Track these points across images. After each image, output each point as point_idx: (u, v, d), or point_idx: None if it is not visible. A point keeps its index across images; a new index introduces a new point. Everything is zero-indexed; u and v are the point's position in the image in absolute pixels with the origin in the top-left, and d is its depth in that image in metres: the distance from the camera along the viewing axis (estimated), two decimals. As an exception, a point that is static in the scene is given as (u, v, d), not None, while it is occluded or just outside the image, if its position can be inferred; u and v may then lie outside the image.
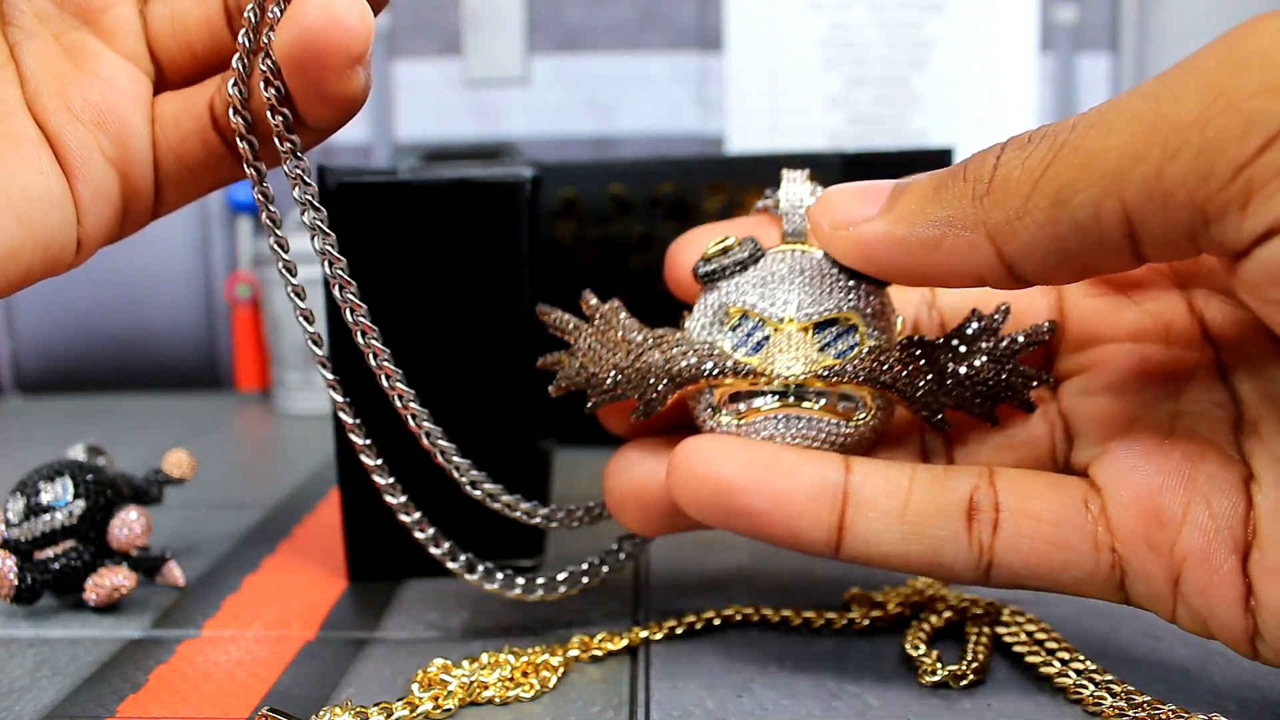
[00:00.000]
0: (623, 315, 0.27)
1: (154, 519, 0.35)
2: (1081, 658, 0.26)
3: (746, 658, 0.28)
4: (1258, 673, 0.26)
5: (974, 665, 0.26)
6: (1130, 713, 0.24)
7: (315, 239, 0.26)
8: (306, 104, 0.25)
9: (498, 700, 0.26)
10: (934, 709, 0.25)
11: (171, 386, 0.70)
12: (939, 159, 0.43)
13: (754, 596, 0.32)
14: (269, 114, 0.25)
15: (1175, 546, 0.23)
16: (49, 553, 0.32)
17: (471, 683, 0.26)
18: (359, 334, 0.27)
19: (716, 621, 0.30)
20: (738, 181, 0.47)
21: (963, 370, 0.25)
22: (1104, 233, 0.20)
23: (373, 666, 0.28)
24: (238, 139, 0.26)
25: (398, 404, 0.27)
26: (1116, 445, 0.25)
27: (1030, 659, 0.27)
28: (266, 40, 0.25)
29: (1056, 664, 0.26)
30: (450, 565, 0.29)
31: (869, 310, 0.25)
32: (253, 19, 0.25)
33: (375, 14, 0.25)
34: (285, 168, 0.26)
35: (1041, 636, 0.28)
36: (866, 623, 0.30)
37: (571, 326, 0.27)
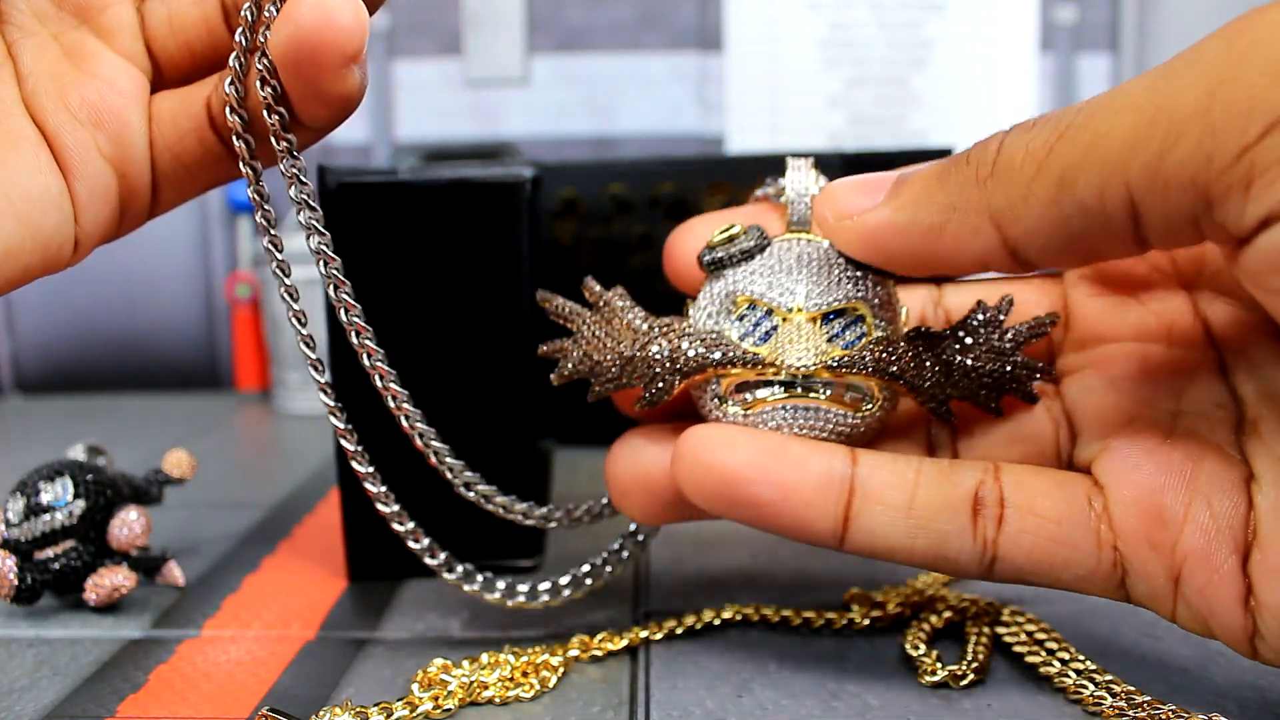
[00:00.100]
0: (627, 303, 0.26)
1: (154, 519, 0.35)
2: (1081, 658, 0.26)
3: (746, 658, 0.28)
4: (1258, 673, 0.26)
5: (974, 665, 0.26)
6: (1130, 713, 0.24)
7: (311, 238, 0.26)
8: (302, 103, 0.25)
9: (498, 700, 0.26)
10: (934, 709, 0.25)
11: (171, 386, 0.70)
12: (939, 159, 0.43)
13: (754, 596, 0.32)
14: (265, 113, 0.25)
15: (1176, 546, 0.23)
16: (49, 553, 0.32)
17: (471, 683, 0.26)
18: (353, 334, 0.27)
19: (716, 621, 0.30)
20: (738, 181, 0.47)
21: (969, 362, 0.25)
22: (1108, 216, 0.20)
23: (373, 666, 0.28)
24: (234, 137, 0.26)
25: (391, 405, 0.27)
26: (1118, 443, 0.25)
27: (1030, 659, 0.27)
28: (263, 39, 0.25)
29: (1056, 664, 0.26)
30: (448, 576, 0.28)
31: (876, 301, 0.25)
32: (249, 17, 0.25)
33: (371, 13, 0.25)
34: (281, 166, 0.26)
35: (1041, 636, 0.28)
36: (866, 623, 0.30)
37: (573, 314, 0.27)
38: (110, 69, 0.26)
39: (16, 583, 0.31)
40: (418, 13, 0.70)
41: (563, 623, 0.31)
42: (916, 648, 0.28)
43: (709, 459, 0.24)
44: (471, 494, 0.28)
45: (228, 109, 0.25)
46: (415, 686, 0.26)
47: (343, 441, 0.27)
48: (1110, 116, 0.20)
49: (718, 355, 0.25)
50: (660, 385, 0.25)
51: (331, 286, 0.27)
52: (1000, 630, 0.28)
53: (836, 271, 0.25)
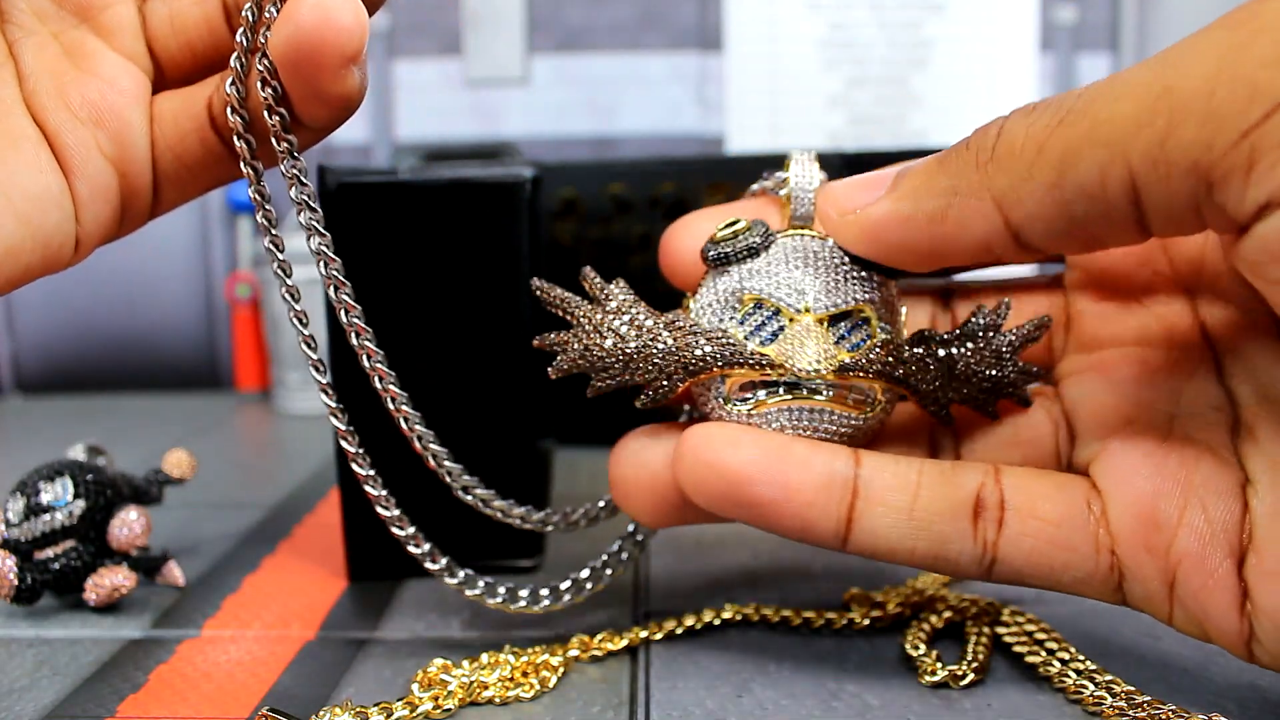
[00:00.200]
0: (629, 296, 0.26)
1: (154, 519, 0.35)
2: (1081, 658, 0.26)
3: (746, 658, 0.28)
4: (1258, 673, 0.26)
5: (974, 665, 0.26)
6: (1130, 713, 0.24)
7: (311, 239, 0.26)
8: (302, 103, 0.25)
9: (498, 700, 0.26)
10: (934, 709, 0.25)
11: (171, 386, 0.70)
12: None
13: (754, 596, 0.32)
14: (266, 113, 0.25)
15: (1171, 550, 0.23)
16: (49, 553, 0.32)
17: (471, 683, 0.26)
18: (353, 335, 0.27)
19: (716, 622, 0.30)
20: (738, 181, 0.47)
21: (970, 366, 0.25)
22: (1109, 199, 0.20)
23: (373, 666, 0.28)
24: (235, 138, 0.26)
25: (390, 406, 0.27)
26: (1115, 447, 0.25)
27: (1030, 659, 0.27)
28: (264, 39, 0.25)
29: (1056, 664, 0.26)
30: (448, 580, 0.28)
31: (881, 303, 0.25)
32: (250, 18, 0.25)
33: (370, 14, 0.25)
34: (282, 167, 0.26)
35: (1041, 636, 0.28)
36: (866, 623, 0.29)
37: (572, 305, 0.26)
38: (111, 68, 0.26)
39: (16, 583, 0.31)
40: (418, 13, 0.70)
41: (563, 623, 0.31)
42: (916, 648, 0.28)
43: (712, 458, 0.24)
44: (470, 497, 0.28)
45: (229, 109, 0.25)
46: (415, 686, 0.26)
47: (344, 443, 0.27)
48: (1112, 101, 0.19)
49: (728, 356, 0.25)
50: (665, 384, 0.25)
51: (331, 287, 0.27)
52: (1000, 630, 0.28)
53: (843, 272, 0.25)
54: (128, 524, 0.33)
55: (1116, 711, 0.24)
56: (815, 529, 0.24)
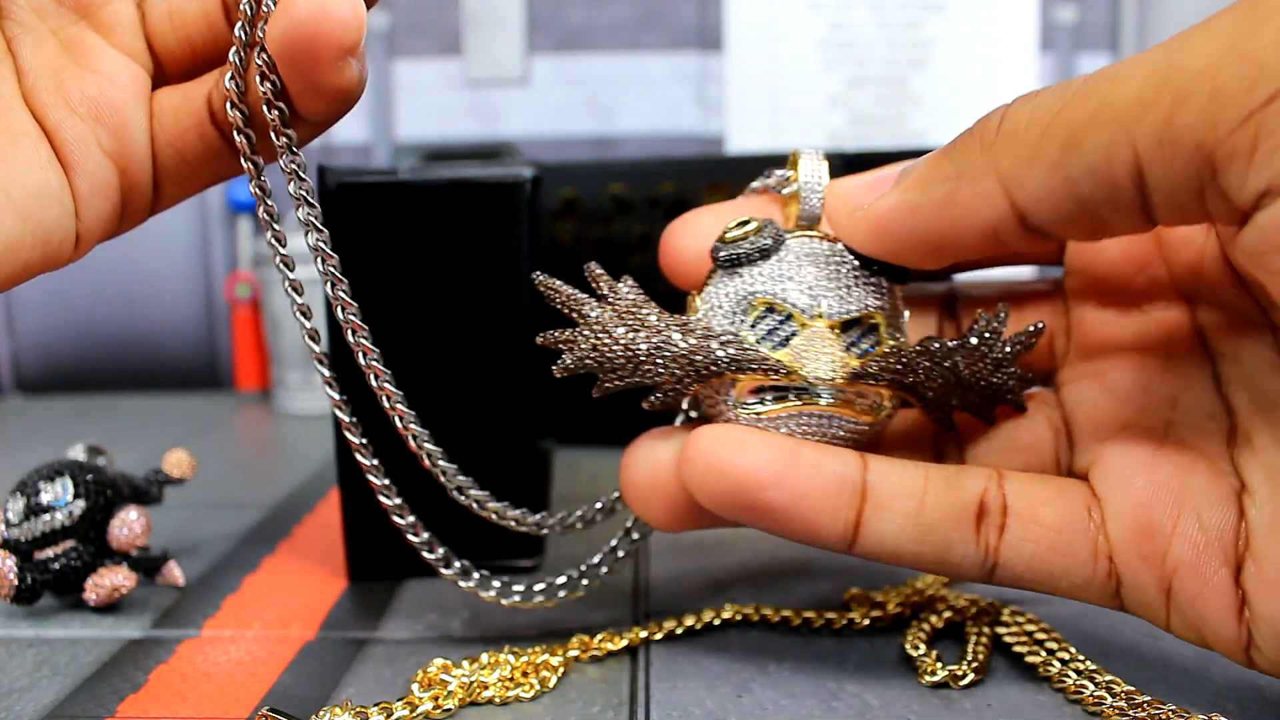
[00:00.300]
0: (639, 295, 0.25)
1: (154, 519, 0.34)
2: (1082, 658, 0.26)
3: (746, 658, 0.28)
4: (1258, 673, 0.26)
5: (974, 665, 0.26)
6: (1130, 713, 0.24)
7: (309, 235, 0.26)
8: (301, 97, 0.25)
9: (498, 700, 0.26)
10: (934, 709, 0.25)
11: (171, 386, 0.70)
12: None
13: (754, 596, 0.32)
14: (265, 108, 0.25)
15: (1166, 558, 0.23)
16: (49, 553, 0.32)
17: (471, 683, 0.26)
18: (349, 332, 0.27)
19: (716, 622, 0.30)
20: (738, 181, 0.47)
21: (973, 372, 0.25)
22: (1115, 180, 0.19)
23: (373, 666, 0.28)
24: (235, 133, 0.26)
25: (386, 405, 0.27)
26: (1112, 454, 0.25)
27: (1030, 659, 0.27)
28: (262, 34, 0.25)
29: (1057, 664, 0.26)
30: (444, 571, 0.28)
31: (890, 309, 0.25)
32: (248, 12, 0.25)
33: (368, 7, 0.25)
34: (281, 162, 0.26)
35: (1041, 636, 0.28)
36: (866, 623, 0.29)
37: (579, 303, 0.25)
38: (110, 64, 0.26)
39: (16, 583, 0.31)
40: (418, 13, 0.70)
41: (563, 623, 0.31)
42: (916, 648, 0.28)
43: (722, 462, 0.24)
44: (464, 498, 0.28)
45: (228, 104, 0.25)
46: (415, 686, 0.26)
47: (348, 434, 0.27)
48: (1119, 82, 0.19)
49: (744, 360, 0.24)
50: (677, 386, 0.25)
51: (329, 284, 0.27)
52: (1000, 630, 0.28)
53: (855, 277, 0.25)
54: (128, 524, 0.33)
55: (1116, 711, 0.24)
56: (823, 533, 0.24)
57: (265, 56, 0.25)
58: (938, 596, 0.30)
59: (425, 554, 0.28)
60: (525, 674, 0.27)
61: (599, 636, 0.29)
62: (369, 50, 0.70)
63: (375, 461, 0.28)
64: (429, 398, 0.28)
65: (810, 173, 0.26)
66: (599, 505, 0.29)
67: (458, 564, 0.28)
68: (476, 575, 0.29)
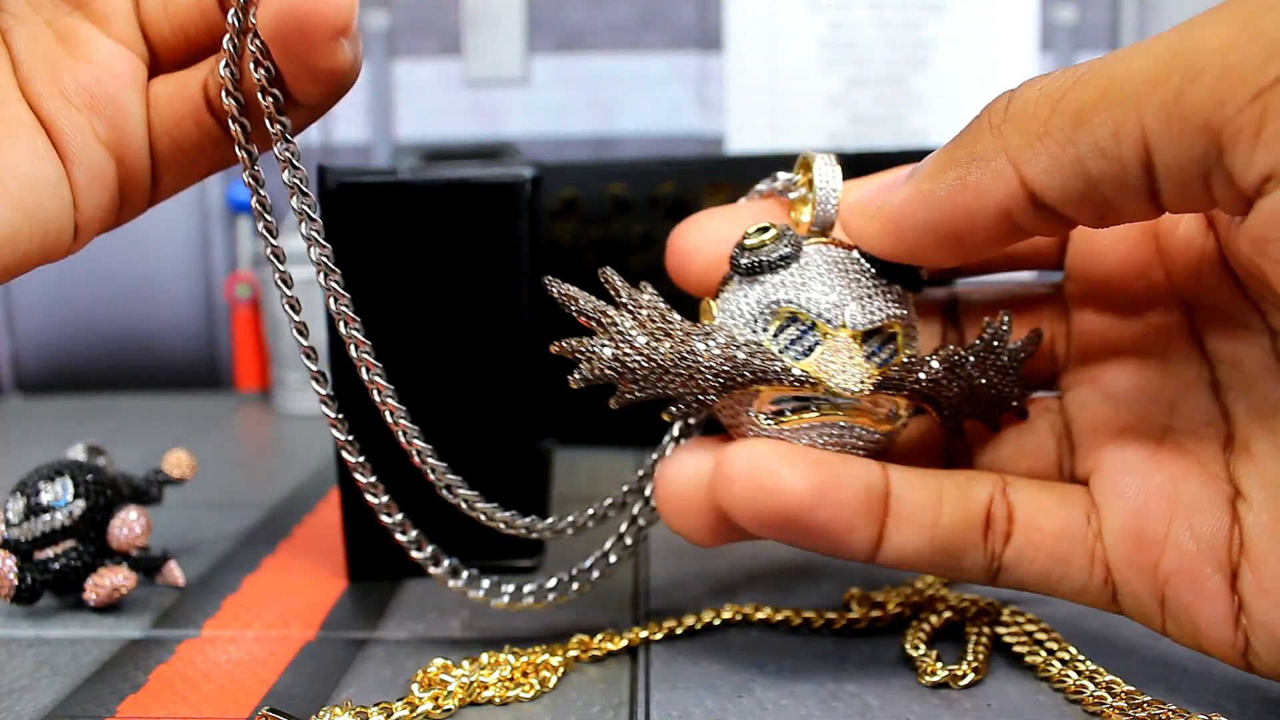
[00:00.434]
0: (662, 302, 0.24)
1: (154, 519, 0.34)
2: (1082, 658, 0.26)
3: (746, 658, 0.28)
4: (1258, 673, 0.26)
5: (974, 665, 0.26)
6: (1130, 713, 0.24)
7: (302, 224, 0.26)
8: (295, 80, 0.25)
9: (498, 700, 0.26)
10: (934, 709, 0.25)
11: (171, 386, 0.70)
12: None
13: (754, 596, 0.32)
14: (260, 95, 0.25)
15: (1158, 567, 0.23)
16: (49, 553, 0.32)
17: (471, 683, 0.26)
18: (342, 324, 0.26)
19: (716, 622, 0.30)
20: (738, 181, 0.47)
21: (983, 380, 0.25)
22: (1123, 159, 0.19)
23: (373, 666, 0.28)
24: (230, 121, 0.25)
25: (376, 398, 0.27)
26: (1109, 461, 0.25)
27: (1030, 659, 0.27)
28: (254, 19, 0.25)
29: (1057, 664, 0.26)
30: (433, 570, 0.28)
31: (907, 318, 0.25)
32: None
33: None
34: (275, 150, 0.26)
35: (1041, 636, 0.28)
36: (866, 623, 0.29)
37: (596, 310, 0.24)
38: (105, 54, 0.25)
39: (16, 583, 0.31)
40: (418, 13, 0.70)
41: (563, 623, 0.31)
42: (916, 648, 0.28)
43: (764, 483, 0.23)
44: (453, 497, 0.28)
45: (222, 92, 0.25)
46: (415, 686, 0.26)
47: (344, 454, 0.27)
48: (1130, 61, 0.19)
49: (772, 372, 0.24)
50: (701, 398, 0.24)
51: (322, 274, 0.26)
52: (1000, 630, 0.28)
53: (872, 286, 0.25)
54: (128, 524, 0.33)
55: (1117, 711, 0.24)
56: (852, 547, 0.24)
57: (259, 43, 0.24)
58: (938, 596, 0.30)
59: (413, 553, 0.28)
60: (525, 674, 0.27)
61: (599, 636, 0.29)
62: (369, 50, 0.70)
63: (362, 459, 0.27)
64: (430, 398, 0.28)
65: (826, 178, 0.25)
66: (591, 512, 0.29)
67: (446, 562, 0.28)
68: (465, 574, 0.28)
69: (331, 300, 0.26)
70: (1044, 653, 0.27)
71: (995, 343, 0.25)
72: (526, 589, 0.29)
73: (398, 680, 0.27)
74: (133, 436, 0.56)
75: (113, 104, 0.25)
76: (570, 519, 0.29)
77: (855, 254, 0.25)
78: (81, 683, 0.28)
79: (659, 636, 0.29)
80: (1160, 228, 0.25)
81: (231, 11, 0.25)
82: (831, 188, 0.25)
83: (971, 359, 0.25)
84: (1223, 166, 0.19)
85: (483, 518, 0.28)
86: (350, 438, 0.27)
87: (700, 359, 0.24)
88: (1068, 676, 0.26)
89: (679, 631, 0.29)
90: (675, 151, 0.70)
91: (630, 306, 0.24)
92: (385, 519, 0.28)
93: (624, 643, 0.29)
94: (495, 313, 0.33)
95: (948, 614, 0.29)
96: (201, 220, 0.70)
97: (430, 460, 0.27)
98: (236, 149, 0.26)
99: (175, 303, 0.70)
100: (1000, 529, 0.25)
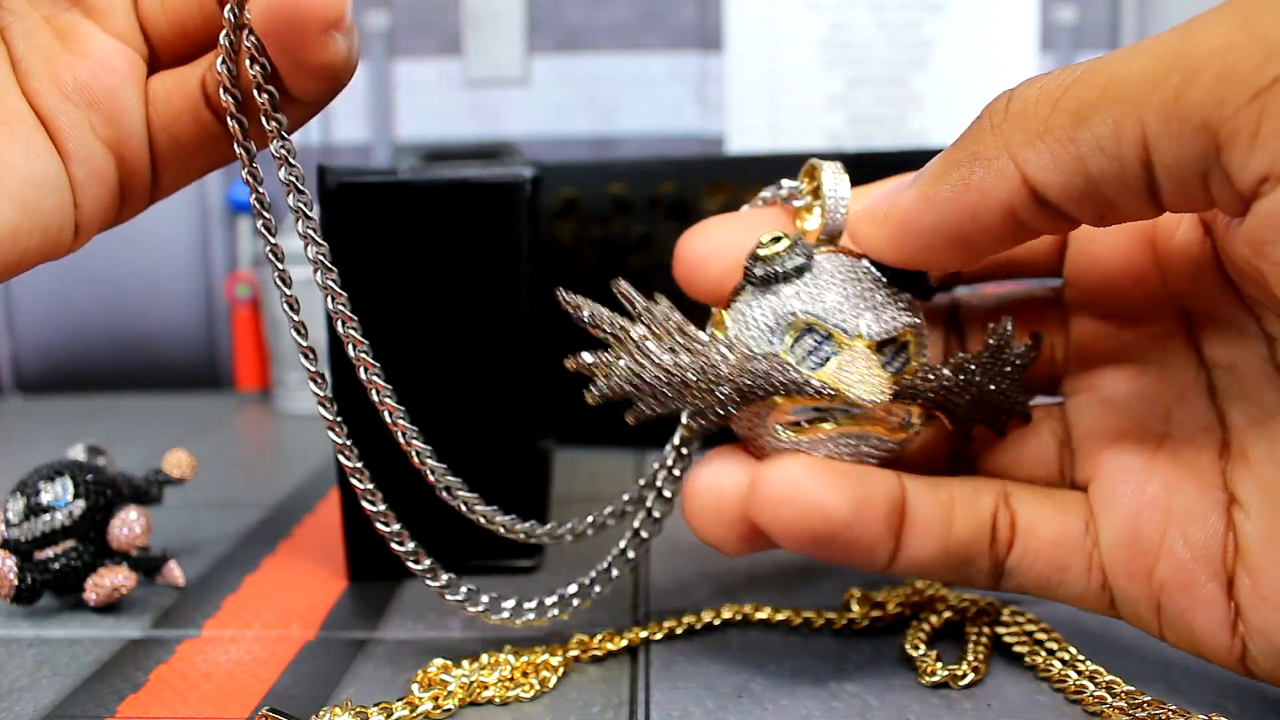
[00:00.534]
0: (679, 315, 0.24)
1: (154, 519, 0.34)
2: (1082, 658, 0.26)
3: (746, 658, 0.28)
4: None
5: (974, 665, 0.26)
6: (1131, 713, 0.24)
7: (299, 222, 0.26)
8: (290, 75, 0.25)
9: (498, 700, 0.26)
10: (934, 709, 0.25)
11: (171, 386, 0.70)
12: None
13: (754, 596, 0.32)
14: (255, 91, 0.25)
15: (1153, 575, 0.23)
16: (49, 553, 0.32)
17: (471, 683, 0.26)
18: (340, 323, 0.26)
19: (716, 622, 0.30)
20: (738, 181, 0.47)
21: (992, 386, 0.25)
22: (1122, 157, 0.19)
23: (373, 666, 0.28)
24: (228, 117, 0.25)
25: (375, 398, 0.26)
26: (1105, 468, 0.25)
27: (1030, 659, 0.27)
28: (249, 15, 0.25)
29: (1057, 664, 0.26)
30: (430, 584, 0.27)
31: (919, 327, 0.25)
32: None
33: None
34: (271, 147, 0.25)
35: (1041, 636, 0.28)
36: (866, 623, 0.29)
37: (612, 323, 0.24)
38: (103, 50, 0.25)
39: (16, 583, 0.31)
40: (418, 13, 0.70)
41: (563, 623, 0.31)
42: (916, 648, 0.28)
43: (807, 504, 0.23)
44: (452, 499, 0.27)
45: (220, 88, 0.25)
46: (415, 686, 0.26)
47: (341, 458, 0.27)
48: (1130, 60, 0.19)
49: (793, 383, 0.23)
50: (721, 411, 0.24)
51: (319, 272, 0.26)
52: (1000, 630, 0.28)
53: (887, 295, 0.24)
54: (128, 524, 0.33)
55: (1117, 711, 0.24)
56: (874, 559, 0.24)
57: (254, 39, 0.24)
58: (938, 596, 0.30)
59: (411, 564, 0.27)
60: (525, 674, 0.27)
61: (599, 636, 0.29)
62: (369, 50, 0.70)
63: (360, 464, 0.27)
64: (430, 398, 0.28)
65: (834, 186, 0.25)
66: (590, 519, 0.28)
67: (445, 576, 0.28)
68: (464, 589, 0.28)
69: (329, 298, 0.26)
70: (1044, 653, 0.27)
71: (1001, 349, 0.25)
72: (526, 605, 0.28)
73: (398, 680, 0.27)
74: (133, 436, 0.56)
75: (111, 100, 0.25)
76: (570, 525, 0.28)
77: (864, 263, 0.25)
78: (81, 683, 0.28)
79: (659, 636, 0.29)
80: (1157, 234, 0.25)
81: (227, 7, 0.25)
82: (840, 196, 0.25)
83: (980, 366, 0.25)
84: (1221, 166, 0.19)
85: (482, 521, 0.27)
86: (348, 441, 0.27)
87: (720, 371, 0.24)
88: (1068, 676, 0.26)
89: (679, 631, 0.29)
90: (675, 151, 0.70)
91: (646, 319, 0.24)
92: (382, 527, 0.27)
93: (624, 643, 0.29)
94: (495, 313, 0.33)
95: (948, 614, 0.29)
96: (201, 220, 0.70)
97: (430, 461, 0.27)
98: (235, 146, 0.26)
99: (175, 303, 0.70)
100: (1004, 536, 0.25)
